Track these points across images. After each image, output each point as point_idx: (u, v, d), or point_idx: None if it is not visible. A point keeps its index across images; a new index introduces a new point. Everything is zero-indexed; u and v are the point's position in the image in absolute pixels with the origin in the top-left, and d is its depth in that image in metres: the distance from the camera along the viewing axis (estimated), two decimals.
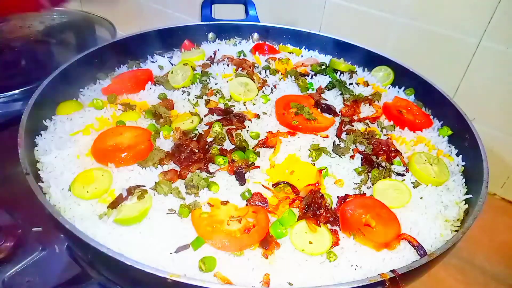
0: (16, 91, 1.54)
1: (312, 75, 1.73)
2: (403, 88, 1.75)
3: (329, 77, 1.72)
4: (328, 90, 1.65)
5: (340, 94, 1.63)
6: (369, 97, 1.63)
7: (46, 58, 1.70)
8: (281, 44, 1.98)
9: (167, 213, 1.09)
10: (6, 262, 1.21)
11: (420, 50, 1.84)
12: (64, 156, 1.21)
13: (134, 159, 1.21)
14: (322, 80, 1.70)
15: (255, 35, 1.98)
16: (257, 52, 1.84)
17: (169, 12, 2.55)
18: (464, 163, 1.42)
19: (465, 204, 1.26)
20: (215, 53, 1.80)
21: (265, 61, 1.80)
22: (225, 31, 1.95)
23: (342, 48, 1.89)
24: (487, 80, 1.75)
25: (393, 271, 0.93)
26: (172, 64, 1.71)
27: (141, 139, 1.27)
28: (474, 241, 1.51)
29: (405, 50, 1.84)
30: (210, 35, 1.94)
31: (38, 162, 1.19)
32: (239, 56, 1.79)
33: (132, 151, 1.22)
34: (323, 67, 1.79)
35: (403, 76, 1.75)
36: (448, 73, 1.81)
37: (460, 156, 1.44)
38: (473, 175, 1.33)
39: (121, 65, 1.69)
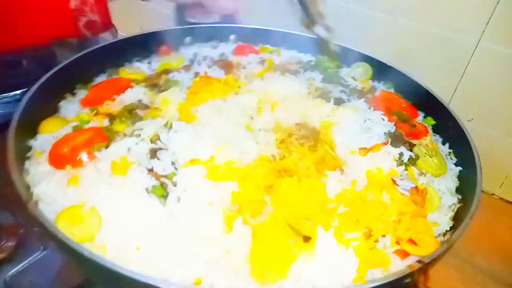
0: (18, 92, 1.63)
1: (303, 71, 1.89)
2: (382, 82, 1.91)
3: (320, 73, 1.88)
4: (328, 83, 1.81)
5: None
6: (365, 90, 1.82)
7: (47, 57, 1.80)
8: (260, 45, 2.11)
9: None
10: (8, 261, 1.27)
11: (419, 51, 2.03)
12: (57, 180, 1.24)
13: (93, 155, 1.31)
14: (315, 76, 1.87)
15: (232, 37, 2.11)
16: (239, 55, 1.98)
17: (169, 13, 2.60)
18: (451, 150, 1.58)
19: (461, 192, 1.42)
20: (195, 55, 1.93)
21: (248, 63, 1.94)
22: (202, 34, 2.06)
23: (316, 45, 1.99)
24: (486, 81, 1.92)
25: (419, 261, 1.06)
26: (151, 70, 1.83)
27: (96, 136, 1.38)
28: (473, 241, 1.64)
29: (404, 51, 2.01)
30: (187, 39, 2.04)
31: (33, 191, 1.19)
32: (221, 59, 1.93)
33: (89, 146, 1.32)
34: (312, 63, 1.97)
35: (381, 71, 1.90)
36: (447, 74, 2.00)
37: (447, 144, 1.61)
38: (464, 163, 1.50)
39: (100, 74, 1.75)
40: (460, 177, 1.48)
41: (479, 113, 1.96)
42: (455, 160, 1.54)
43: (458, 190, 1.43)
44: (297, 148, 1.37)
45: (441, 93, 1.68)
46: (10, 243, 1.32)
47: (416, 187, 1.32)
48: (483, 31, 1.85)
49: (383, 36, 2.10)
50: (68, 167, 1.27)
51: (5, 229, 1.36)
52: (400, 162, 1.41)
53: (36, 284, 1.29)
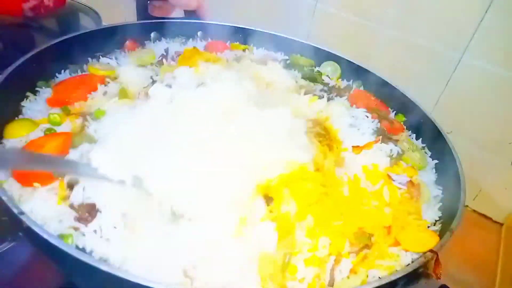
0: None
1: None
2: (351, 80, 2.03)
3: (298, 71, 1.98)
4: (309, 82, 1.89)
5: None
6: (342, 88, 1.92)
7: (26, 42, 1.80)
8: (228, 42, 2.16)
9: None
10: None
11: (404, 61, 2.17)
12: (42, 196, 1.18)
13: None
14: (295, 74, 1.95)
15: (200, 33, 2.15)
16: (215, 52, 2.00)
17: (130, 7, 2.55)
18: (424, 145, 1.74)
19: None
20: (166, 51, 1.94)
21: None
22: (167, 30, 2.08)
23: (286, 45, 2.16)
24: (466, 95, 2.07)
25: (431, 250, 1.19)
26: (120, 66, 1.77)
27: (68, 144, 1.30)
28: (446, 251, 1.69)
29: (389, 60, 2.15)
30: (153, 34, 2.06)
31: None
32: None
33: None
34: (288, 62, 2.04)
35: (349, 70, 2.04)
36: (430, 86, 2.14)
37: (420, 139, 1.76)
38: (438, 157, 1.66)
39: (62, 71, 1.71)
40: (436, 169, 1.64)
41: (459, 126, 2.09)
42: (429, 153, 1.71)
43: (436, 182, 1.58)
44: (319, 147, 1.45)
45: (423, 105, 1.80)
46: None
47: (411, 181, 1.44)
48: (467, 46, 2.00)
49: (370, 45, 2.24)
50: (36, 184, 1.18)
51: None
52: (391, 158, 1.52)
53: (2, 276, 1.30)
